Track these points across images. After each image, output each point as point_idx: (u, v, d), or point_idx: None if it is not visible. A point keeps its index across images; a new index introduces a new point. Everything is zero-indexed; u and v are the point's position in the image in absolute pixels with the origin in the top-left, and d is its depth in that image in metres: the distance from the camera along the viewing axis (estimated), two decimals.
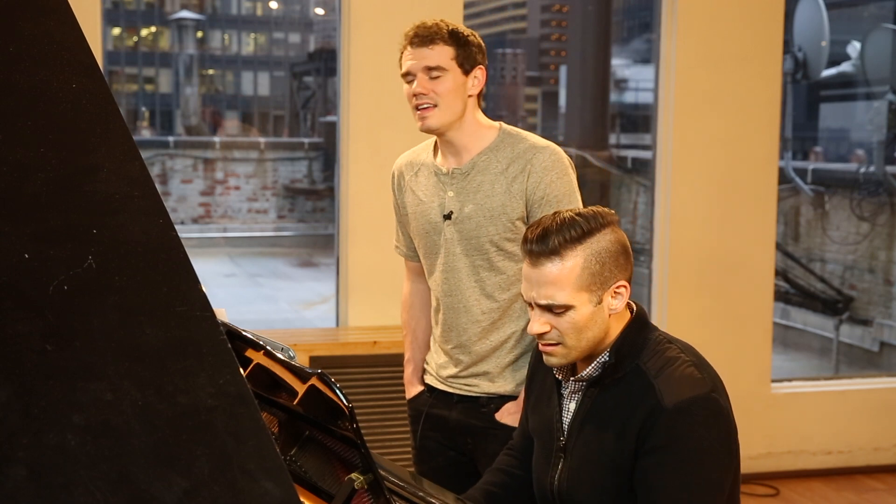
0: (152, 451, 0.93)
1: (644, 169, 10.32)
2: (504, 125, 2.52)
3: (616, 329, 1.96)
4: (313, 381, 1.56)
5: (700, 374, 1.88)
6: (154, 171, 16.95)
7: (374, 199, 4.15)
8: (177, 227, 1.10)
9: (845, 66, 10.43)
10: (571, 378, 2.00)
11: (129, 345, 0.99)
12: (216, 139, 20.89)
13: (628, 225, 10.95)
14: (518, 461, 2.18)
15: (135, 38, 31.05)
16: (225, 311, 2.02)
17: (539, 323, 1.93)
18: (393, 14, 4.05)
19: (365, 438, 1.54)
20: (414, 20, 2.46)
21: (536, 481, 2.06)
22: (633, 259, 1.99)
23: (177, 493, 0.91)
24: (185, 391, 0.97)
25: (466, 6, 4.31)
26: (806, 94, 13.58)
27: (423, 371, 2.67)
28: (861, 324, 8.73)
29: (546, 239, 1.89)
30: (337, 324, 4.37)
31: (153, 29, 31.41)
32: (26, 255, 1.00)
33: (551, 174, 2.40)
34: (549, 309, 1.91)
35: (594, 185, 11.93)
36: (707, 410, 1.85)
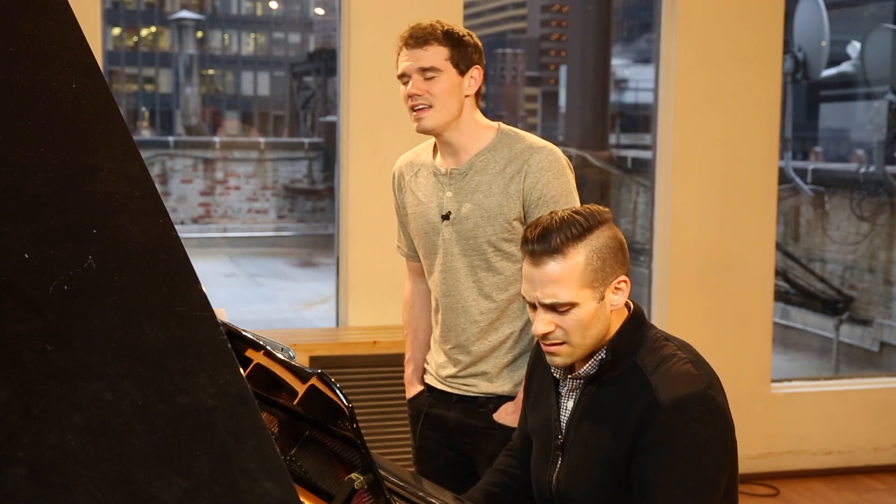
0: (152, 451, 0.93)
1: (644, 169, 10.33)
2: (503, 125, 2.52)
3: (616, 326, 1.96)
4: (313, 381, 1.56)
5: (696, 371, 1.89)
6: (154, 171, 16.95)
7: (374, 199, 4.15)
8: (177, 227, 1.10)
9: (845, 66, 10.43)
10: (569, 376, 2.01)
11: (129, 345, 0.99)
12: (216, 139, 20.89)
13: (628, 225, 10.95)
14: (517, 462, 2.18)
15: (135, 38, 31.06)
16: (225, 311, 2.02)
17: (543, 323, 1.93)
18: (393, 14, 4.05)
19: (365, 438, 1.54)
20: (414, 20, 2.46)
21: (535, 481, 2.06)
22: (634, 259, 1.99)
23: (177, 493, 0.91)
24: (185, 391, 0.97)
25: (466, 6, 4.31)
26: (806, 94, 13.59)
27: (424, 371, 2.67)
28: (861, 324, 8.73)
29: (547, 238, 1.90)
30: (337, 324, 4.37)
31: (153, 29, 31.42)
32: (26, 255, 1.00)
33: (548, 174, 2.40)
34: (553, 308, 1.91)
35: (594, 185, 11.94)
36: (703, 407, 1.85)
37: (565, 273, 1.89)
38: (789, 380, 5.00)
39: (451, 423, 2.55)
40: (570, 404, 2.00)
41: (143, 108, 29.27)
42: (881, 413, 4.84)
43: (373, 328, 4.16)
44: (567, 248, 1.89)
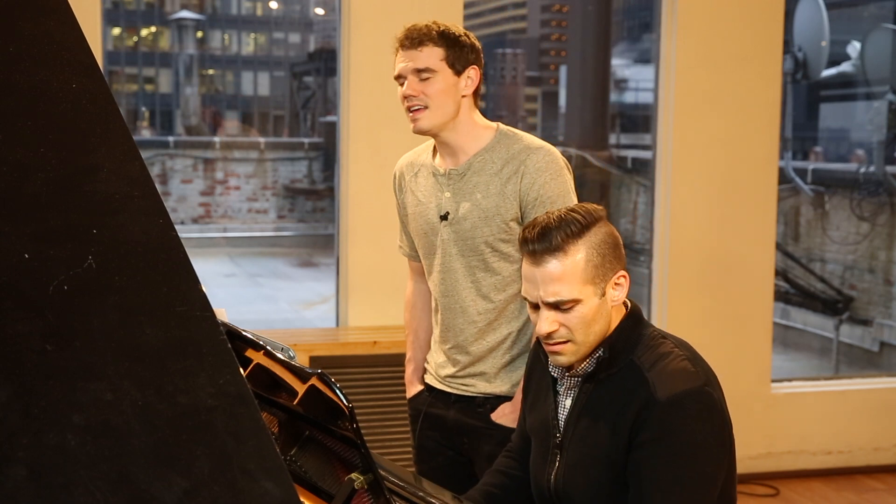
0: (152, 451, 0.93)
1: (644, 169, 10.33)
2: (502, 126, 2.51)
3: (616, 323, 1.97)
4: (313, 381, 1.56)
5: (693, 368, 1.89)
6: (154, 171, 16.95)
7: (374, 199, 4.15)
8: (177, 227, 1.10)
9: (845, 66, 10.43)
10: (567, 374, 2.01)
11: (129, 345, 0.99)
12: (216, 139, 20.88)
13: (628, 225, 10.95)
14: (517, 462, 2.18)
15: (135, 38, 31.06)
16: (225, 311, 2.02)
17: (547, 322, 1.93)
18: (393, 14, 4.05)
19: (365, 438, 1.54)
20: (414, 20, 2.46)
21: (534, 479, 2.07)
22: (634, 259, 2.00)
23: (177, 493, 0.91)
24: (185, 391, 0.97)
25: (466, 6, 4.31)
26: (806, 94, 13.59)
27: (424, 370, 2.67)
28: (861, 324, 8.73)
29: (547, 236, 1.90)
30: (337, 324, 4.37)
31: (153, 29, 31.42)
32: (26, 255, 1.00)
33: (545, 175, 2.39)
34: (556, 306, 1.91)
35: (594, 185, 11.94)
36: (700, 404, 1.85)
37: (567, 270, 1.90)
38: (789, 380, 5.01)
39: (449, 423, 2.55)
40: (569, 402, 2.01)
41: (143, 108, 29.28)
42: (881, 413, 4.84)
43: (373, 328, 4.16)
44: (567, 246, 1.90)
